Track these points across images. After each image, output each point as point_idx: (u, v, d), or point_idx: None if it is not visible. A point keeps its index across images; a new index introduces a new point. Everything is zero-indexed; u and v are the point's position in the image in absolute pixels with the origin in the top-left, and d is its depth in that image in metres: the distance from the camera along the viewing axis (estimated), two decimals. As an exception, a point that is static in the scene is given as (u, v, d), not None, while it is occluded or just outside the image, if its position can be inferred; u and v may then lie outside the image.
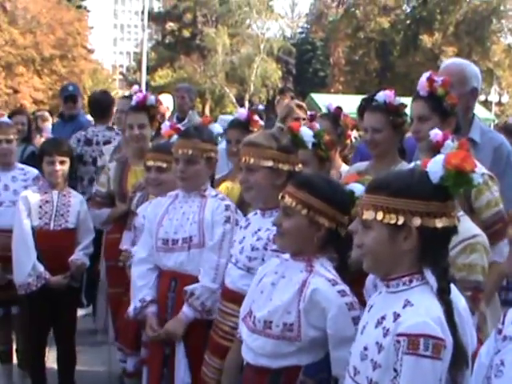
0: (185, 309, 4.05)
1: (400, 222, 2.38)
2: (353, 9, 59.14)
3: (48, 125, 11.03)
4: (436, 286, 2.40)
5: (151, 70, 54.61)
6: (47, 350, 5.68)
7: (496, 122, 21.60)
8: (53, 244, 5.33)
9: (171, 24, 61.74)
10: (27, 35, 46.99)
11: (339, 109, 5.31)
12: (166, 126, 5.08)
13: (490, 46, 52.14)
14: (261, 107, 5.93)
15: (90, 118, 10.75)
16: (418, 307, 2.34)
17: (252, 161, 3.65)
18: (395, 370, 2.31)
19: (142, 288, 4.27)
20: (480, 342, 2.64)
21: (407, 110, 4.46)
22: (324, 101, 16.85)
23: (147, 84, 41.86)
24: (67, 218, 5.44)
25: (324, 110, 5.77)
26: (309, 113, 6.06)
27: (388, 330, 2.35)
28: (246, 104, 49.92)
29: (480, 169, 2.54)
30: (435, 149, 3.30)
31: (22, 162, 6.12)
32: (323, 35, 65.15)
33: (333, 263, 3.15)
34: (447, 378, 2.34)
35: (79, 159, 7.19)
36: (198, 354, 3.91)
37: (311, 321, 2.96)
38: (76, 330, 5.68)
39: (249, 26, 59.30)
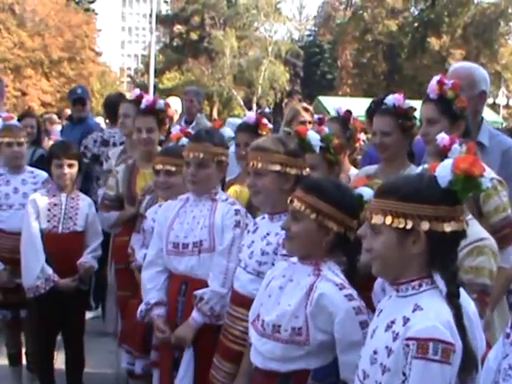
0: (194, 314, 4.05)
1: (408, 227, 2.38)
2: (361, 11, 59.06)
3: (56, 127, 11.08)
4: (445, 290, 2.41)
5: (159, 73, 54.63)
6: (55, 352, 5.68)
7: (504, 124, 21.55)
8: (61, 247, 5.34)
9: (179, 27, 61.76)
10: (35, 38, 47.10)
11: (349, 112, 5.29)
12: (176, 130, 5.09)
13: (498, 49, 52.01)
14: (267, 110, 5.90)
15: (98, 120, 10.81)
16: (427, 311, 2.34)
17: (260, 165, 3.65)
18: (404, 374, 2.31)
19: (149, 291, 4.28)
20: (488, 346, 2.64)
21: (416, 113, 4.46)
22: (332, 104, 16.86)
23: (155, 87, 41.90)
24: (75, 221, 5.45)
25: (332, 113, 5.76)
26: (317, 116, 6.03)
27: (397, 334, 2.35)
28: (254, 107, 49.92)
29: (489, 173, 2.55)
30: (442, 153, 3.30)
31: (32, 165, 6.13)
32: (331, 38, 65.13)
33: (341, 267, 3.15)
34: (457, 383, 2.33)
35: (95, 159, 7.23)
36: (206, 358, 3.90)
37: (319, 325, 2.96)
38: (84, 333, 5.69)
39: (257, 29, 59.26)
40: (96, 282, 6.60)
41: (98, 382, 6.20)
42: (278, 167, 3.63)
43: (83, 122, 8.57)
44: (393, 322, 2.41)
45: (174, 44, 63.14)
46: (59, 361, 5.68)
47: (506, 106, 54.34)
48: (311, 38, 68.15)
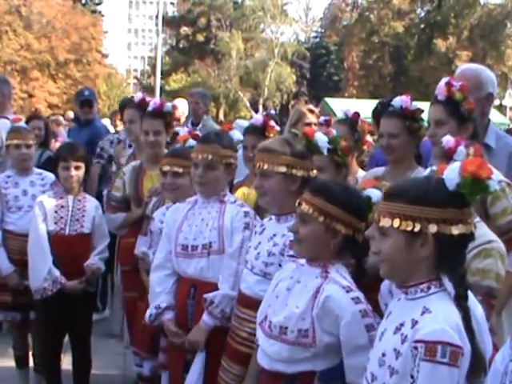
0: (205, 317, 4.04)
1: (416, 229, 2.38)
2: (367, 13, 59.04)
3: (62, 129, 11.11)
4: (453, 292, 2.41)
5: (165, 75, 54.74)
6: (62, 354, 5.68)
7: (511, 126, 21.49)
8: (68, 249, 5.34)
9: (185, 28, 61.86)
10: (42, 40, 47.21)
11: (357, 114, 5.27)
12: (183, 131, 5.09)
13: (504, 50, 51.87)
14: (273, 112, 5.89)
15: (105, 122, 10.83)
16: (436, 314, 2.34)
17: (266, 167, 3.65)
18: (412, 377, 2.30)
19: (159, 294, 4.27)
20: (495, 349, 2.63)
21: (423, 115, 4.46)
22: (338, 105, 16.86)
23: (161, 88, 41.96)
24: (82, 223, 5.45)
25: (338, 115, 5.74)
26: (323, 118, 6.02)
27: (406, 337, 2.35)
28: (260, 108, 49.93)
29: (497, 175, 2.54)
30: (448, 155, 3.30)
31: (39, 167, 6.14)
32: (337, 39, 65.15)
33: (349, 269, 3.15)
34: (465, 386, 2.33)
35: (111, 160, 7.24)
36: (217, 360, 3.90)
37: (325, 327, 2.96)
38: (91, 334, 5.70)
39: (263, 31, 59.29)
40: (103, 284, 6.61)
41: (104, 384, 6.22)
42: (284, 169, 3.63)
43: (90, 123, 8.58)
44: (401, 325, 2.41)
45: (181, 46, 63.27)
46: (66, 362, 5.68)
47: (513, 108, 54.24)
48: (317, 39, 68.19)
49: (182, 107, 8.91)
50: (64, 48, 47.73)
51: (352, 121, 5.25)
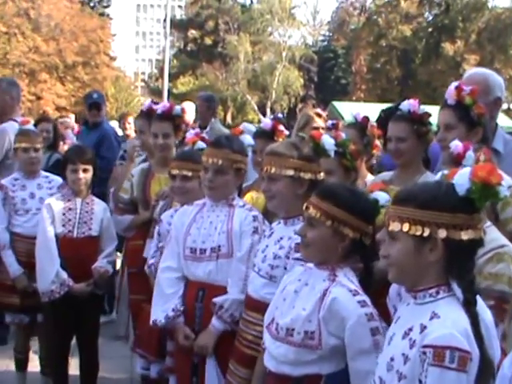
0: (214, 321, 4.04)
1: (426, 234, 2.38)
2: (375, 17, 59.06)
3: (70, 131, 11.11)
4: (462, 297, 2.40)
5: (173, 78, 54.83)
6: (69, 357, 5.68)
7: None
8: (76, 251, 5.35)
9: (193, 31, 61.97)
10: (50, 42, 47.28)
11: (366, 118, 5.26)
12: (190, 134, 5.09)
13: (512, 54, 51.87)
14: (280, 115, 5.85)
15: (113, 125, 10.84)
16: (444, 319, 2.33)
17: (274, 170, 3.66)
18: (420, 382, 2.31)
19: (172, 296, 4.23)
20: (504, 354, 2.63)
21: (431, 119, 4.45)
22: (346, 109, 16.81)
23: (169, 91, 42.02)
24: (90, 226, 5.46)
25: (346, 118, 5.73)
26: (331, 122, 6.00)
27: (414, 342, 2.35)
28: (268, 112, 49.97)
29: (507, 181, 2.54)
30: (456, 160, 3.30)
31: (47, 170, 6.15)
32: (345, 43, 65.17)
33: (356, 274, 3.15)
34: (473, 391, 2.33)
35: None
36: (226, 363, 3.90)
37: (331, 330, 2.96)
38: (98, 337, 5.71)
39: (271, 34, 59.37)
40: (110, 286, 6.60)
41: (112, 387, 6.23)
42: (291, 172, 3.63)
43: (98, 126, 8.60)
44: (410, 330, 2.41)
45: (189, 49, 63.36)
46: (73, 366, 5.68)
47: (521, 112, 54.17)
48: (325, 43, 68.21)
49: (189, 110, 8.90)
50: (72, 50, 47.80)
51: (361, 125, 5.23)
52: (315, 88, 58.78)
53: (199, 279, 4.17)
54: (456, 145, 3.40)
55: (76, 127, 12.19)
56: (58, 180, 5.85)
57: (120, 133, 10.13)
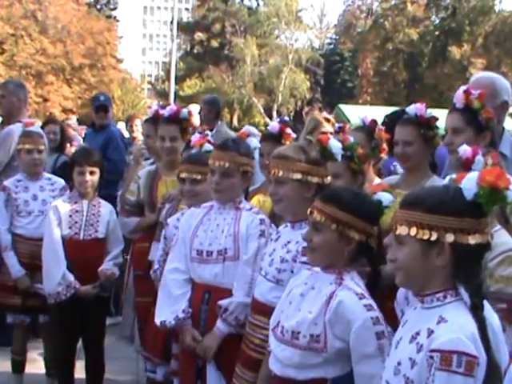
0: (219, 324, 4.04)
1: (433, 238, 2.37)
2: (381, 20, 59.07)
3: (76, 134, 11.14)
4: (469, 302, 2.40)
5: (180, 80, 54.86)
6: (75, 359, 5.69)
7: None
8: (82, 254, 5.37)
9: (200, 34, 62.02)
10: (57, 44, 47.35)
11: (374, 122, 5.24)
12: (196, 137, 5.09)
13: (519, 58, 51.79)
14: (286, 118, 5.83)
15: (119, 126, 10.86)
16: (451, 323, 2.33)
17: (281, 173, 3.65)
18: None
19: (181, 298, 4.21)
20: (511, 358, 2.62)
21: (438, 123, 4.44)
22: (352, 112, 16.83)
23: (175, 94, 42.05)
24: (97, 228, 5.48)
25: (352, 121, 5.71)
26: (337, 125, 6.00)
27: (422, 346, 2.35)
28: (274, 114, 49.96)
29: (515, 185, 2.53)
30: (465, 165, 3.29)
31: (54, 172, 6.16)
32: (352, 46, 65.18)
33: (363, 278, 3.15)
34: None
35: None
36: (231, 367, 3.90)
37: (336, 333, 2.97)
38: (104, 339, 5.71)
39: (277, 37, 59.37)
40: (116, 288, 6.60)
41: (118, 389, 6.24)
42: (299, 176, 3.63)
43: (105, 128, 8.60)
44: (417, 334, 2.40)
45: (195, 51, 63.42)
46: (79, 368, 5.68)
47: (528, 116, 54.00)
48: (332, 46, 68.24)
49: (196, 113, 8.90)
50: (79, 53, 47.87)
51: (369, 128, 5.21)
52: (321, 91, 58.78)
53: (205, 282, 4.16)
54: (465, 149, 3.40)
55: (78, 129, 12.23)
56: (61, 182, 5.87)
57: (127, 135, 10.14)
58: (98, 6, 59.04)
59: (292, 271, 3.55)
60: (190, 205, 4.67)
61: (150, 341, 5.03)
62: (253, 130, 5.03)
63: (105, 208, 5.58)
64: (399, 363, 2.44)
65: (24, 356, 6.02)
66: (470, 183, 2.42)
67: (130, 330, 5.94)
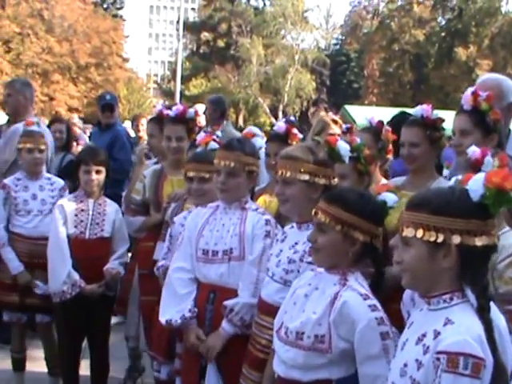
0: (224, 324, 4.03)
1: (440, 240, 2.37)
2: (388, 21, 59.04)
3: (81, 133, 11.16)
4: (476, 303, 2.39)
5: (185, 80, 54.89)
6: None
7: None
8: (88, 253, 5.37)
9: (206, 34, 62.05)
10: (64, 43, 47.48)
11: (381, 122, 5.23)
12: (201, 136, 5.09)
13: (525, 60, 51.71)
14: (292, 119, 5.80)
15: (126, 126, 10.87)
16: (458, 325, 2.33)
17: (288, 174, 3.64)
18: None
19: (186, 297, 4.21)
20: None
21: (444, 124, 4.43)
22: (358, 113, 16.81)
23: (181, 93, 42.06)
24: (103, 227, 5.47)
25: (358, 122, 5.70)
26: (345, 126, 5.98)
27: (428, 348, 2.34)
28: (280, 115, 49.96)
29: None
30: (474, 166, 3.29)
31: (61, 170, 6.16)
32: (358, 47, 65.18)
33: (367, 279, 3.15)
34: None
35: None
36: (231, 369, 3.91)
37: (341, 333, 2.96)
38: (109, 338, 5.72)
39: (283, 37, 59.37)
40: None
41: (122, 388, 6.24)
42: (306, 177, 3.62)
43: (111, 128, 8.60)
44: (424, 335, 2.40)
45: (201, 51, 63.45)
46: (83, 366, 5.68)
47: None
48: (338, 46, 68.23)
49: (201, 113, 8.90)
50: (85, 52, 47.99)
51: (376, 129, 5.19)
52: (327, 91, 58.76)
53: (211, 281, 4.15)
54: (474, 150, 3.39)
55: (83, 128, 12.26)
56: (60, 182, 5.89)
57: (133, 134, 10.15)
58: (105, 5, 59.17)
59: (299, 271, 3.54)
60: (197, 204, 4.66)
61: (154, 339, 5.04)
62: (255, 130, 5.03)
63: (110, 207, 5.58)
64: (405, 365, 2.43)
65: (23, 354, 6.03)
66: (476, 184, 2.41)
67: (135, 330, 5.94)
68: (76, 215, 5.40)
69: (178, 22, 43.92)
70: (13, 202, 5.69)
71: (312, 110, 9.38)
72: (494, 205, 2.38)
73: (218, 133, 5.44)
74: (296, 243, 3.64)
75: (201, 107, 9.15)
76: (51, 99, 46.11)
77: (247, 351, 3.82)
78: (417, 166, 4.40)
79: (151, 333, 5.15)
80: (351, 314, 2.93)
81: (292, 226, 3.79)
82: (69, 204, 5.44)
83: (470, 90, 4.19)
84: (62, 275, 5.25)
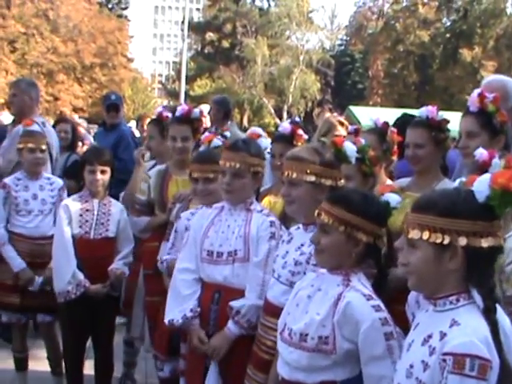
0: (230, 325, 4.02)
1: (446, 242, 2.37)
2: (392, 22, 59.03)
3: (86, 132, 11.18)
4: (482, 305, 2.39)
5: (190, 80, 54.87)
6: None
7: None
8: (93, 253, 5.36)
9: (211, 34, 62.09)
10: (69, 43, 47.59)
11: (386, 124, 5.23)
12: (205, 135, 5.08)
13: (530, 61, 51.65)
14: (297, 119, 5.79)
15: (130, 125, 10.88)
16: (464, 327, 2.33)
17: (295, 175, 3.63)
18: None
19: (190, 297, 4.21)
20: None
21: (449, 125, 4.43)
22: (362, 113, 16.79)
23: (186, 93, 42.07)
24: (107, 227, 5.47)
25: (362, 123, 5.69)
26: (352, 127, 5.97)
27: (434, 349, 2.35)
28: (285, 115, 49.97)
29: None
30: (482, 168, 3.28)
31: (65, 171, 6.16)
32: (362, 47, 65.18)
33: (370, 280, 3.15)
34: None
35: None
36: (233, 370, 3.93)
37: (345, 334, 2.96)
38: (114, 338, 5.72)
39: (288, 38, 59.37)
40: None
41: (126, 388, 6.24)
42: (313, 178, 3.60)
43: (116, 128, 8.60)
44: (430, 337, 2.40)
45: (206, 51, 63.51)
46: (87, 366, 5.69)
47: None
48: (342, 47, 68.22)
49: (206, 113, 8.91)
50: (90, 52, 48.09)
51: (381, 130, 5.19)
52: (332, 92, 58.76)
53: (215, 282, 4.15)
54: (481, 152, 3.39)
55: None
56: (59, 182, 5.90)
57: (137, 134, 10.16)
58: (110, 6, 59.29)
59: (305, 273, 3.53)
60: (204, 204, 4.65)
61: (156, 338, 5.06)
62: (259, 131, 5.02)
63: (115, 207, 5.58)
64: (411, 366, 2.43)
65: (25, 353, 6.03)
66: (481, 186, 2.41)
67: (140, 331, 5.95)
68: (81, 215, 5.40)
69: (182, 22, 43.94)
70: (13, 202, 5.69)
71: (317, 110, 9.38)
72: (499, 206, 2.38)
73: (227, 133, 5.45)
74: (302, 245, 3.63)
75: (205, 107, 9.15)
76: (56, 99, 46.20)
77: (252, 352, 3.81)
78: (422, 167, 4.40)
79: (156, 332, 5.16)
80: (355, 314, 2.93)
81: (298, 227, 3.78)
82: (74, 204, 5.43)
83: (477, 91, 4.18)
84: (66, 275, 5.24)
